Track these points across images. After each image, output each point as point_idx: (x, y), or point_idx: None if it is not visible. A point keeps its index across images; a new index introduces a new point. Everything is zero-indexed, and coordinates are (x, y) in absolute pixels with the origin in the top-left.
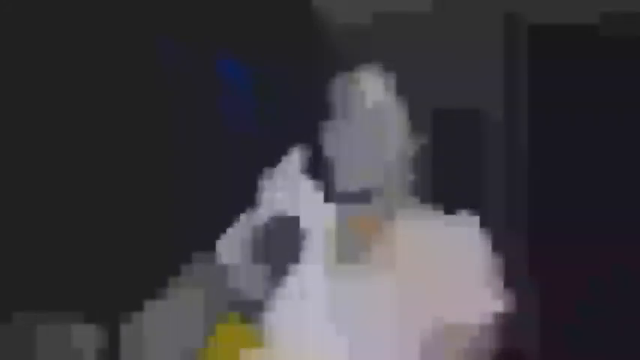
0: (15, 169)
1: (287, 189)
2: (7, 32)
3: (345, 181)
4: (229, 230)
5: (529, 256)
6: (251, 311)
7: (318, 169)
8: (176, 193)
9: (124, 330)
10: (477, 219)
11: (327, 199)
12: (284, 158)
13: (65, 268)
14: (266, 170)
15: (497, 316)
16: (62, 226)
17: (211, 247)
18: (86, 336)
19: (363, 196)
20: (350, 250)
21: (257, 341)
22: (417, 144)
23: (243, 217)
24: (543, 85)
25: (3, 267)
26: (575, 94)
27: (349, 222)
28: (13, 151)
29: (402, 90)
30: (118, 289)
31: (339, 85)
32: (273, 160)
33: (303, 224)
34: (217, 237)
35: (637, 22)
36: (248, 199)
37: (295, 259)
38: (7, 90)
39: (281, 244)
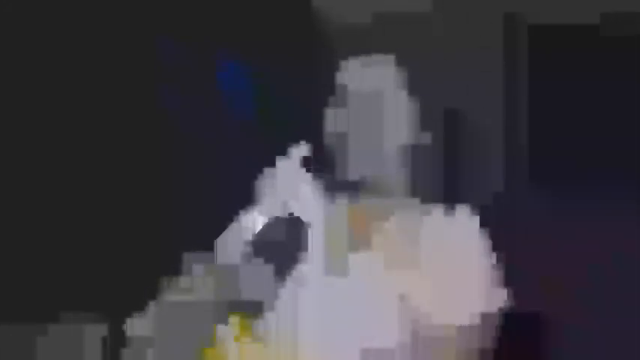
0: (20, 171)
1: (287, 188)
2: (7, 32)
3: (344, 170)
4: (229, 230)
5: (529, 256)
6: (251, 311)
7: (318, 167)
8: (177, 194)
9: (129, 330)
10: (476, 218)
11: (326, 194)
12: (284, 157)
13: (70, 269)
14: (265, 169)
15: (497, 315)
16: (67, 227)
17: (211, 247)
18: (95, 336)
19: (362, 189)
20: (349, 247)
21: (256, 341)
22: (419, 141)
23: (243, 216)
24: (543, 85)
25: (12, 268)
26: (575, 95)
27: (350, 217)
28: (18, 153)
29: (406, 82)
30: (119, 289)
31: (348, 69)
32: (273, 159)
33: (303, 223)
34: (217, 237)
35: (637, 21)
36: (248, 198)
37: (295, 258)
38: (7, 90)
39: (281, 244)
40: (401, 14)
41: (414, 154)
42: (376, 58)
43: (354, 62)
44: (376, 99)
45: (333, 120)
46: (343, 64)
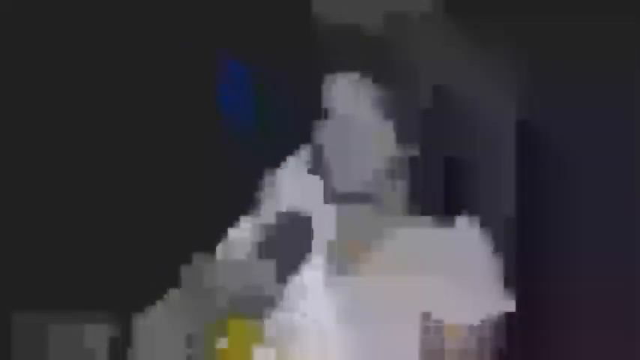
0: (25, 171)
1: (290, 189)
2: (7, 32)
3: (341, 183)
4: (234, 231)
5: (529, 258)
6: (255, 310)
7: (319, 169)
8: (182, 194)
9: (135, 330)
10: (476, 220)
11: (328, 198)
12: (287, 158)
13: (74, 268)
14: (268, 170)
15: (498, 317)
16: (72, 227)
17: (213, 248)
18: (98, 335)
19: (361, 197)
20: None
21: (259, 339)
22: (406, 154)
23: (245, 218)
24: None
25: (17, 267)
26: None
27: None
28: (22, 153)
29: (402, 90)
30: (124, 289)
31: (326, 91)
32: (274, 161)
33: (307, 223)
34: (219, 238)
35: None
36: (250, 199)
37: (299, 258)
38: (7, 90)
39: (285, 243)
40: (401, 14)
41: (404, 167)
42: (356, 77)
43: (334, 83)
44: (355, 117)
45: (322, 139)
46: (324, 85)
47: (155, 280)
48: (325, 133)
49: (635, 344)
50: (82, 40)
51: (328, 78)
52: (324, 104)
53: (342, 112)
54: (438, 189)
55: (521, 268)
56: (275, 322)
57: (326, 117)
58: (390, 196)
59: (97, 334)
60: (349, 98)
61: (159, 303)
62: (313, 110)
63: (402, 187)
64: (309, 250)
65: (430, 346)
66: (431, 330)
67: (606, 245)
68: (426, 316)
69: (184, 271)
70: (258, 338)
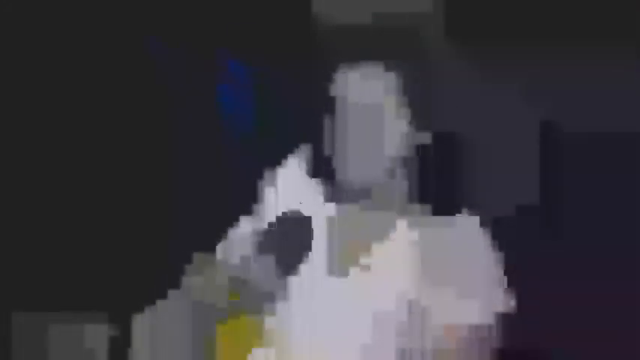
0: (29, 175)
1: (289, 189)
2: (7, 32)
3: (345, 178)
4: (234, 231)
5: (529, 258)
6: (252, 308)
7: (319, 168)
8: (182, 195)
9: (135, 330)
10: (477, 219)
11: (328, 198)
12: (287, 158)
13: (75, 269)
14: (267, 171)
15: (499, 314)
16: (72, 228)
17: (214, 248)
18: (99, 335)
19: (363, 193)
20: (350, 252)
21: (259, 337)
22: (418, 143)
23: (245, 218)
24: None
25: (17, 268)
26: None
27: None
28: (25, 157)
29: (402, 90)
30: (125, 289)
31: (338, 81)
32: (274, 161)
33: (307, 223)
34: (219, 238)
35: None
36: (250, 199)
37: (299, 258)
38: (7, 91)
39: (285, 243)
40: (401, 14)
41: (412, 161)
42: (370, 68)
43: (347, 74)
44: (373, 110)
45: (331, 131)
46: (336, 75)
47: (155, 280)
48: (337, 124)
49: (636, 344)
50: (81, 40)
51: (342, 70)
52: (334, 95)
53: (358, 102)
54: (442, 185)
55: (521, 268)
56: (274, 320)
57: (333, 109)
58: (390, 195)
59: (97, 334)
60: (366, 89)
61: (158, 303)
62: (313, 110)
63: (402, 186)
64: (309, 249)
65: (431, 345)
66: (431, 329)
67: (607, 245)
68: (427, 316)
69: (184, 271)
70: (258, 336)
